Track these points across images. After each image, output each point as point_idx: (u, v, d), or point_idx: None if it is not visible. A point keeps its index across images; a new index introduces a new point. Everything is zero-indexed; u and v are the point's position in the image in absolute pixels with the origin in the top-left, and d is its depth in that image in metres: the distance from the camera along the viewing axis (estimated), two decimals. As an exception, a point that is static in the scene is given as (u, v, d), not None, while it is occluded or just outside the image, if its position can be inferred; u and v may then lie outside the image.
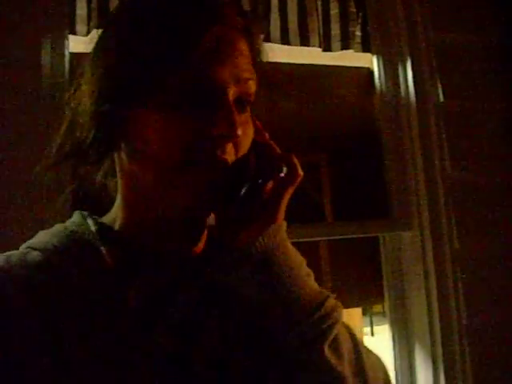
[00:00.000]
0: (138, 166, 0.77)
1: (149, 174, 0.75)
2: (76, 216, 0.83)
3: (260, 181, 0.79)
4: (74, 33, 1.73)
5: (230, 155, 0.74)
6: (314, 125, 2.07)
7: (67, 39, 1.69)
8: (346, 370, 0.74)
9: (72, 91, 0.80)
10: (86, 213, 0.83)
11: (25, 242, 0.79)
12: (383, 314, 2.10)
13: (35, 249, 0.76)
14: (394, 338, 2.02)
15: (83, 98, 0.77)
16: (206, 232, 0.85)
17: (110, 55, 0.76)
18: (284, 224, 0.78)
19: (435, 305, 1.92)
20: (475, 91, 2.10)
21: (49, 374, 0.66)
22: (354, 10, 2.13)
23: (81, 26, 1.75)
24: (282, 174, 0.79)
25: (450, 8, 2.13)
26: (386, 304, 2.07)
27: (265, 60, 0.84)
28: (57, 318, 0.70)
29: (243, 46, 0.77)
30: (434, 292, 1.93)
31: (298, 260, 0.78)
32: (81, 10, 1.76)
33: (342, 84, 2.17)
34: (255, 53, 0.81)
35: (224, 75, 0.73)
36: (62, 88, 1.64)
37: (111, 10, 1.76)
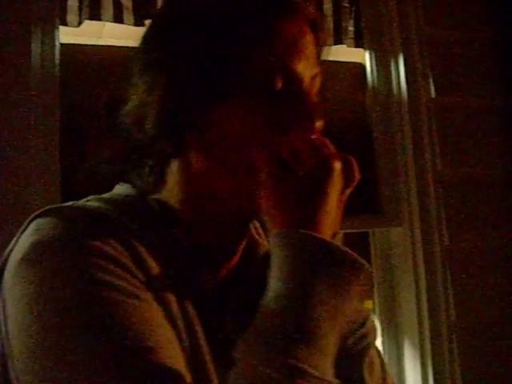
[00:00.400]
0: (211, 160, 0.73)
1: (225, 169, 0.72)
2: (127, 188, 0.78)
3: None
4: (65, 24, 1.71)
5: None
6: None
7: (58, 30, 1.68)
8: None
9: (131, 85, 0.75)
10: (138, 191, 0.77)
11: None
12: (373, 310, 2.10)
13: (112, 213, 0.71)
14: (383, 333, 2.03)
15: (146, 93, 0.73)
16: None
17: (185, 49, 0.71)
18: (341, 234, 0.72)
19: (424, 301, 1.93)
20: (467, 87, 2.11)
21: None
22: (347, 5, 2.12)
23: (72, 17, 1.73)
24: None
25: (443, 4, 2.13)
26: (376, 300, 2.07)
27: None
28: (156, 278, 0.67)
29: (312, 40, 0.75)
30: (424, 288, 1.93)
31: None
32: (72, 0, 1.73)
33: (334, 79, 2.16)
34: (322, 49, 0.79)
35: (301, 66, 0.71)
36: (53, 79, 1.63)
37: (102, 1, 1.74)
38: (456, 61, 2.10)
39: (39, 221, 0.67)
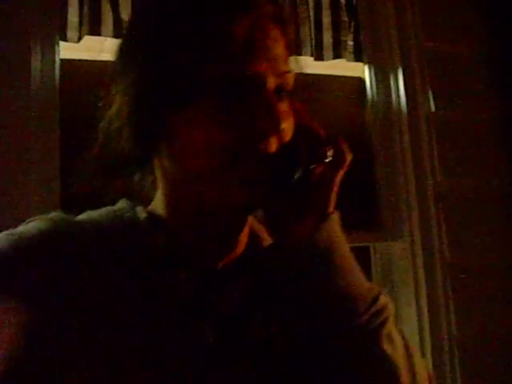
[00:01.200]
0: (180, 167, 0.75)
1: (192, 174, 0.74)
2: (123, 203, 0.81)
3: (312, 166, 0.75)
4: (65, 39, 1.72)
5: (273, 148, 0.72)
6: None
7: (58, 45, 1.68)
8: (400, 361, 0.74)
9: (105, 102, 0.78)
10: (135, 204, 0.81)
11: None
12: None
13: (86, 223, 0.75)
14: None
15: (118, 108, 0.75)
16: (247, 228, 0.82)
17: (142, 61, 0.74)
18: (337, 214, 0.76)
19: (425, 315, 1.92)
20: (466, 101, 2.11)
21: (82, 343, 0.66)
22: (347, 20, 2.13)
23: (72, 33, 1.74)
24: (330, 159, 0.75)
25: (442, 18, 2.14)
26: (376, 314, 2.06)
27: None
28: (105, 290, 0.69)
29: (277, 35, 0.74)
30: (425, 302, 1.93)
31: (350, 253, 0.76)
32: (72, 16, 1.74)
33: (333, 93, 2.17)
34: (290, 42, 0.78)
35: (261, 66, 0.71)
36: (53, 95, 1.63)
37: (102, 16, 1.76)
38: (455, 75, 2.11)
39: None
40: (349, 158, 0.76)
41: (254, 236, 0.84)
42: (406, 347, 0.77)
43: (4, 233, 0.69)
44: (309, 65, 2.09)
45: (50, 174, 1.58)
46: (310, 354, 0.75)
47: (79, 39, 1.74)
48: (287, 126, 0.74)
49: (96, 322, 0.67)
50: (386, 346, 0.73)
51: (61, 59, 1.68)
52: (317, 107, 2.14)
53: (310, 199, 0.75)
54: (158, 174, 0.79)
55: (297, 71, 0.80)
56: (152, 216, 0.78)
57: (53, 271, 0.67)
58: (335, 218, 0.76)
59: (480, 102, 2.13)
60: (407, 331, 1.97)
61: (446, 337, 1.90)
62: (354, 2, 2.16)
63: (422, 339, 1.92)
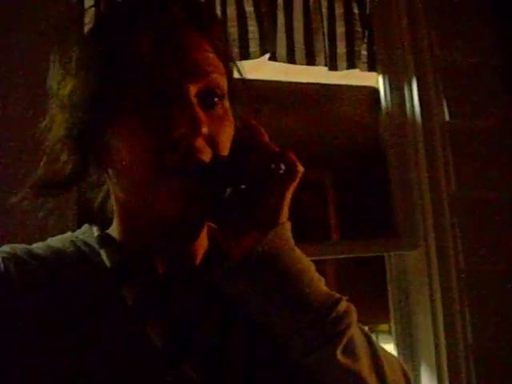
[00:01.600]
0: (117, 182, 0.76)
1: (126, 190, 0.75)
2: (84, 227, 0.84)
3: (241, 186, 0.75)
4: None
5: (203, 153, 0.71)
6: (319, 143, 2.08)
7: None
8: (364, 370, 0.71)
9: (45, 122, 0.80)
10: (93, 225, 0.83)
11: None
12: (389, 332, 2.09)
13: (36, 253, 0.76)
14: (400, 356, 2.01)
15: (54, 127, 0.78)
16: (203, 236, 0.82)
17: (66, 81, 0.76)
18: (288, 224, 0.75)
19: (441, 324, 1.91)
20: (480, 110, 2.11)
21: (38, 364, 0.67)
22: (360, 30, 2.14)
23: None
24: (281, 171, 0.73)
25: (456, 28, 2.14)
26: (392, 323, 2.06)
27: (241, 74, 0.83)
28: (52, 311, 0.70)
29: (195, 40, 0.74)
30: (440, 311, 1.92)
31: (306, 263, 0.74)
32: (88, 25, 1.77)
33: (347, 103, 2.18)
34: (217, 46, 0.77)
35: (172, 72, 0.71)
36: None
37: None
38: (469, 84, 2.11)
39: None
40: (299, 171, 0.74)
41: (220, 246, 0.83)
42: (373, 350, 0.75)
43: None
44: (323, 75, 2.10)
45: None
46: (267, 365, 0.76)
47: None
48: (220, 134, 0.73)
49: (46, 352, 0.68)
50: (346, 359, 0.70)
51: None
52: (331, 117, 2.15)
53: (259, 210, 0.74)
54: (111, 194, 0.81)
55: (239, 77, 0.81)
56: (105, 235, 0.80)
57: None
58: (286, 227, 0.74)
59: (494, 111, 2.12)
60: (422, 340, 1.97)
61: (461, 345, 1.89)
62: (368, 12, 2.17)
63: (437, 348, 1.91)
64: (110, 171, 0.76)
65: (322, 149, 2.05)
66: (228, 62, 0.80)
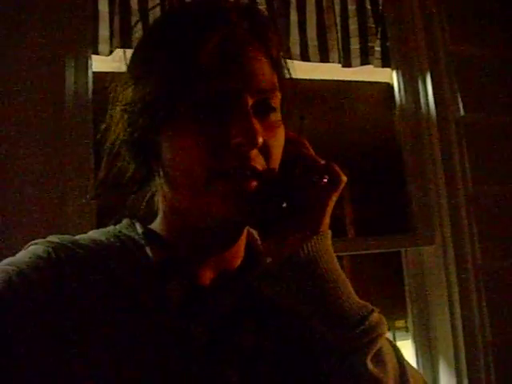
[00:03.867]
0: (170, 184, 0.78)
1: (177, 190, 0.77)
2: (125, 221, 0.85)
3: (301, 190, 0.79)
4: (96, 53, 1.76)
5: (257, 162, 0.73)
6: (334, 140, 2.08)
7: (90, 59, 1.72)
8: (390, 380, 0.74)
9: (107, 121, 0.82)
10: (135, 220, 0.85)
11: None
12: (406, 329, 2.08)
13: (82, 244, 0.78)
14: (417, 353, 2.01)
15: (116, 128, 0.80)
16: (243, 241, 0.85)
17: (128, 84, 0.78)
18: (329, 233, 0.78)
19: (459, 319, 1.91)
20: (495, 105, 2.10)
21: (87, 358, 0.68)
22: (373, 26, 2.14)
23: (103, 46, 1.78)
24: (325, 181, 0.78)
25: (469, 22, 2.13)
26: (409, 319, 2.06)
27: (290, 74, 0.84)
28: (100, 299, 0.72)
29: (254, 52, 0.76)
30: (458, 307, 1.91)
31: (342, 274, 0.77)
32: (103, 30, 1.78)
33: (362, 99, 2.17)
34: (274, 61, 0.79)
35: (235, 83, 0.73)
36: (86, 107, 1.67)
37: (132, 30, 1.79)
38: (484, 78, 2.10)
39: None
40: (343, 181, 0.79)
41: (258, 253, 0.86)
42: (400, 363, 0.78)
43: (1, 262, 0.72)
44: (337, 71, 2.10)
45: (84, 187, 1.60)
46: (299, 369, 0.78)
47: (110, 52, 1.78)
48: (272, 143, 0.76)
49: (93, 338, 0.69)
50: (374, 368, 0.73)
51: (93, 72, 1.71)
52: (345, 113, 2.15)
53: (301, 221, 0.77)
54: (159, 192, 0.83)
55: (289, 90, 0.83)
56: (149, 232, 0.82)
57: (48, 298, 0.69)
58: (326, 236, 0.78)
59: (509, 106, 2.11)
60: (440, 336, 1.97)
61: (480, 341, 1.89)
62: (381, 7, 2.17)
63: (455, 344, 1.91)
64: (161, 172, 0.78)
65: (336, 145, 2.05)
66: (281, 70, 0.82)
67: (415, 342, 2.02)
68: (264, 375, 0.77)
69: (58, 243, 0.75)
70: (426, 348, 2.00)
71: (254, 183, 0.73)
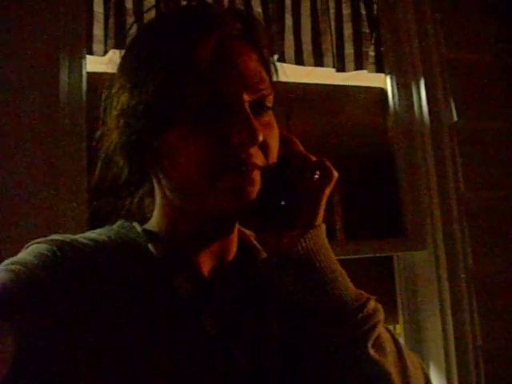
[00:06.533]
0: (172, 185, 0.79)
1: (182, 190, 0.78)
2: (120, 222, 0.86)
3: (295, 185, 0.81)
4: (90, 53, 1.75)
5: (257, 158, 0.75)
6: (327, 144, 2.08)
7: (85, 59, 1.72)
8: (391, 366, 0.77)
9: (101, 127, 0.83)
10: (130, 221, 0.86)
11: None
12: (398, 334, 2.09)
13: (84, 241, 0.78)
14: (409, 358, 2.01)
15: (111, 133, 0.81)
16: (236, 235, 0.87)
17: (124, 89, 0.79)
18: (323, 226, 0.81)
19: (450, 324, 1.91)
20: (488, 111, 2.11)
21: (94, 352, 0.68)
22: (368, 31, 2.15)
23: (98, 46, 1.77)
24: (316, 177, 0.81)
25: (463, 28, 2.15)
26: (401, 324, 2.06)
27: (278, 76, 0.85)
28: (106, 302, 0.72)
29: (248, 52, 0.78)
30: (449, 312, 1.92)
31: (337, 262, 0.81)
32: (97, 30, 1.78)
33: (355, 104, 2.18)
34: (266, 62, 0.82)
35: (232, 83, 0.74)
36: (80, 107, 1.66)
37: (127, 30, 1.79)
38: (477, 84, 2.11)
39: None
40: (335, 176, 0.82)
41: (250, 247, 0.89)
42: (398, 347, 0.82)
43: (5, 263, 0.72)
44: (330, 76, 2.10)
45: (77, 187, 1.60)
46: (301, 356, 0.80)
47: (105, 53, 1.78)
48: (270, 140, 0.78)
49: (105, 331, 0.70)
50: (375, 353, 0.76)
51: (87, 72, 1.71)
52: (339, 118, 2.15)
53: (297, 215, 0.81)
54: (157, 193, 0.84)
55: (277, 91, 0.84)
56: (147, 230, 0.83)
57: (55, 295, 0.69)
58: (321, 229, 0.80)
59: (502, 112, 2.12)
60: (431, 340, 1.97)
61: (471, 346, 1.89)
62: (375, 13, 2.18)
63: (446, 350, 1.91)
64: (160, 175, 0.80)
65: (329, 150, 2.05)
66: (271, 71, 0.84)
67: (406, 346, 2.02)
68: (269, 359, 0.80)
69: (62, 241, 0.76)
70: (417, 353, 2.00)
71: (257, 178, 0.75)
